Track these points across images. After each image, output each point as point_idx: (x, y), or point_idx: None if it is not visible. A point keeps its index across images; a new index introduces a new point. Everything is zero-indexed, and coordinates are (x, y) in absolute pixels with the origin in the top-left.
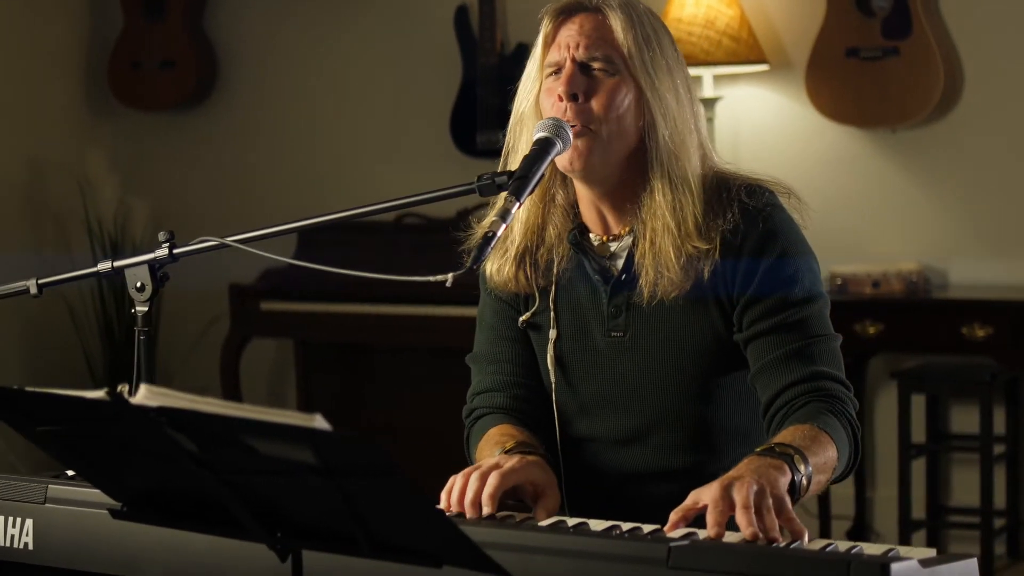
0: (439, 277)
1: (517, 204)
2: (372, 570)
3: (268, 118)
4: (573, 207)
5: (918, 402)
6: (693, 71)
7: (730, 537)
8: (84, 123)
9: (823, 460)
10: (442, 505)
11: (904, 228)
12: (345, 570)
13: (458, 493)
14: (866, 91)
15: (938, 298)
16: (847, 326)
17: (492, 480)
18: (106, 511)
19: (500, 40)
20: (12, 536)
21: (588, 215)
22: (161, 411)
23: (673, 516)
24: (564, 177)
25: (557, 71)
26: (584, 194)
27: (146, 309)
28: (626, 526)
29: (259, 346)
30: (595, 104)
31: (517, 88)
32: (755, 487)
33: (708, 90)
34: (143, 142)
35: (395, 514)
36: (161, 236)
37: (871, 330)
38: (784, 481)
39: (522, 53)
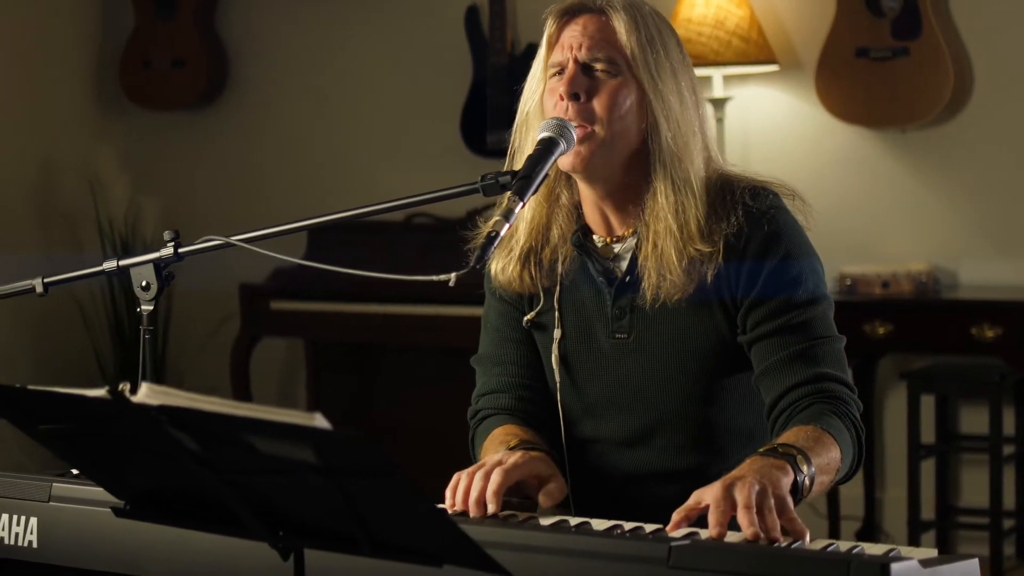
0: (442, 277)
1: (520, 204)
2: (374, 569)
3: (278, 117)
4: (577, 208)
5: (927, 403)
6: (703, 71)
7: (731, 537)
8: (95, 122)
9: (826, 461)
10: (447, 503)
11: (914, 228)
12: (347, 569)
13: (463, 491)
14: (876, 91)
15: (947, 298)
16: (856, 326)
17: (496, 477)
18: (109, 509)
19: (510, 40)
20: (17, 534)
21: (591, 216)
22: (162, 410)
23: (676, 516)
24: (569, 177)
25: (560, 71)
26: (587, 195)
27: (151, 308)
28: (628, 526)
29: (269, 345)
30: (597, 105)
31: (523, 89)
32: (757, 487)
33: (718, 90)
34: (154, 141)
35: (396, 513)
36: (166, 235)
37: (880, 330)
38: (786, 481)
39: (532, 53)
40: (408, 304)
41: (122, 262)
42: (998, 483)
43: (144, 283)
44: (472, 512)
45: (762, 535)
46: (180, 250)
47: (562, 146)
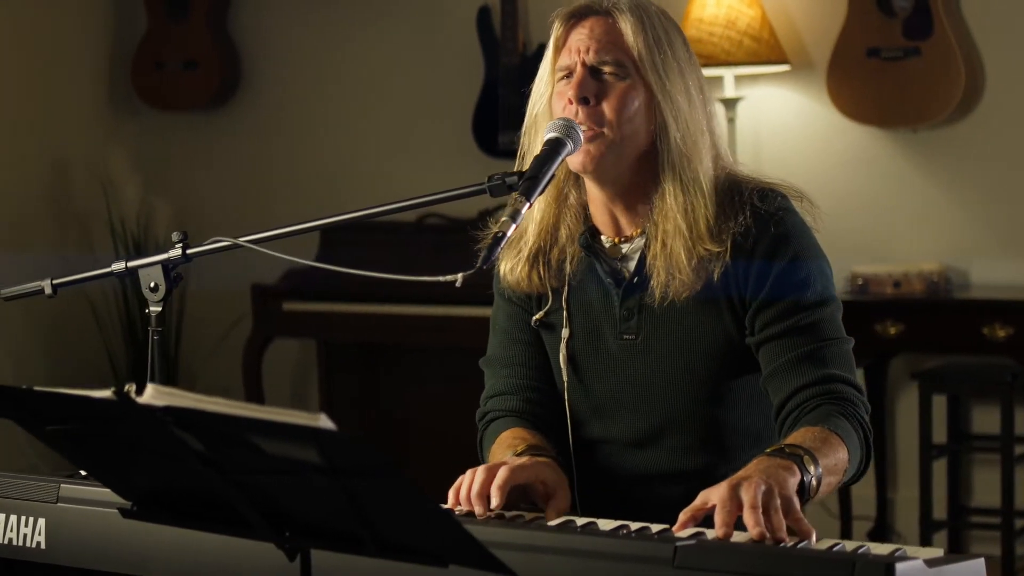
0: (448, 278)
1: (527, 204)
2: (379, 569)
3: (291, 118)
4: (585, 208)
5: (939, 402)
6: (714, 71)
7: (737, 537)
8: (107, 123)
9: (833, 462)
10: (450, 501)
11: (925, 228)
12: (352, 569)
13: (466, 488)
14: (887, 91)
15: (959, 298)
16: (868, 326)
17: (501, 473)
18: (116, 510)
19: (522, 40)
20: (25, 535)
21: (599, 217)
22: (167, 411)
23: (682, 516)
24: (577, 178)
25: (568, 75)
26: (596, 196)
27: (159, 309)
28: (634, 526)
29: (281, 346)
30: (606, 108)
31: (530, 92)
32: (763, 487)
33: (729, 90)
34: (166, 142)
35: (400, 514)
36: (175, 236)
37: (892, 330)
38: (793, 482)
39: (544, 54)
40: (419, 305)
41: (130, 263)
42: (1010, 483)
43: (152, 284)
44: (475, 507)
45: (768, 535)
46: (188, 251)
47: (569, 146)
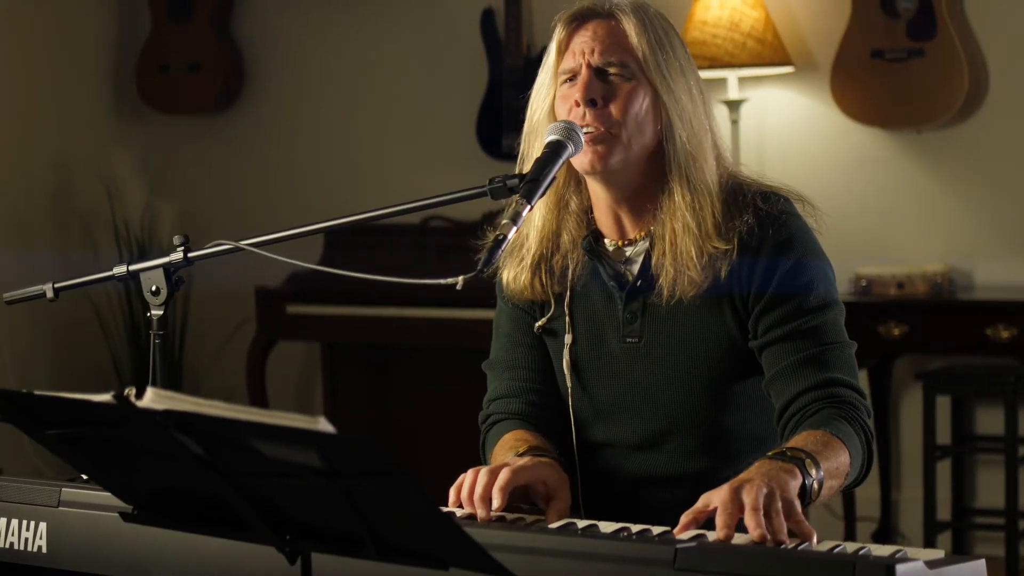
0: (449, 280)
1: (528, 207)
2: (380, 573)
3: (295, 121)
4: (587, 213)
5: (943, 403)
6: (718, 73)
7: (738, 539)
8: (111, 126)
9: (835, 465)
10: (451, 500)
11: (929, 229)
12: (353, 573)
13: (467, 489)
14: (891, 92)
15: (963, 299)
16: (872, 327)
17: (503, 475)
18: (117, 514)
19: (526, 43)
20: (26, 539)
21: (604, 220)
22: (167, 414)
23: (684, 519)
24: (578, 183)
25: (572, 78)
26: (602, 198)
27: (161, 313)
28: (635, 528)
29: (286, 349)
30: (614, 109)
31: (530, 96)
32: (765, 490)
33: (733, 92)
34: (170, 145)
35: (401, 516)
36: (176, 240)
37: (896, 331)
38: (794, 485)
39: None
40: (423, 307)
41: (132, 267)
42: (1014, 483)
43: (154, 288)
44: (477, 509)
45: (769, 537)
46: (190, 255)
47: (570, 149)
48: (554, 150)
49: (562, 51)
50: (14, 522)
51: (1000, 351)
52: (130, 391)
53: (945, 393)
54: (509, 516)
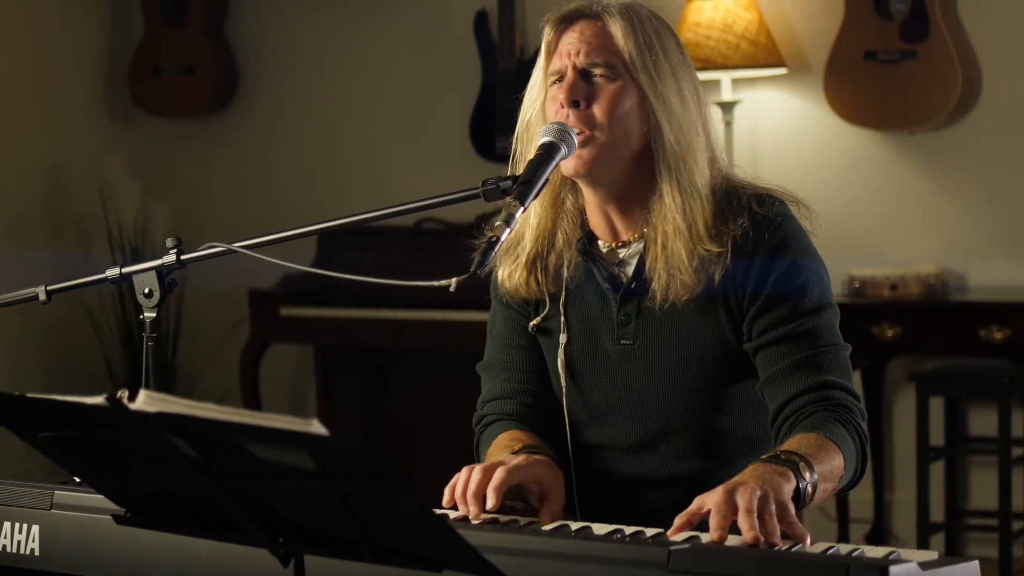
0: (443, 282)
1: (521, 208)
2: (373, 575)
3: (288, 124)
4: (582, 213)
5: (936, 405)
6: (711, 75)
7: (731, 541)
8: (105, 129)
9: (829, 468)
10: (445, 499)
11: (922, 230)
12: (347, 575)
13: (462, 487)
14: (884, 94)
15: (956, 300)
16: (865, 329)
17: (498, 474)
18: (110, 517)
19: (519, 45)
20: (19, 542)
21: (596, 222)
22: (159, 416)
23: (677, 520)
24: (574, 183)
25: (559, 79)
26: (592, 200)
27: (154, 315)
28: (628, 530)
29: (279, 351)
30: (597, 110)
31: (523, 98)
32: (758, 492)
33: (726, 94)
34: (164, 148)
35: (394, 518)
36: (169, 242)
37: (889, 333)
38: (788, 487)
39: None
40: (417, 309)
41: (125, 269)
42: (1007, 485)
43: (147, 290)
44: (471, 507)
45: (762, 539)
46: (183, 257)
47: (563, 151)
48: (547, 152)
49: (550, 52)
50: (7, 525)
51: (993, 352)
52: (123, 393)
53: (938, 394)
54: (503, 518)
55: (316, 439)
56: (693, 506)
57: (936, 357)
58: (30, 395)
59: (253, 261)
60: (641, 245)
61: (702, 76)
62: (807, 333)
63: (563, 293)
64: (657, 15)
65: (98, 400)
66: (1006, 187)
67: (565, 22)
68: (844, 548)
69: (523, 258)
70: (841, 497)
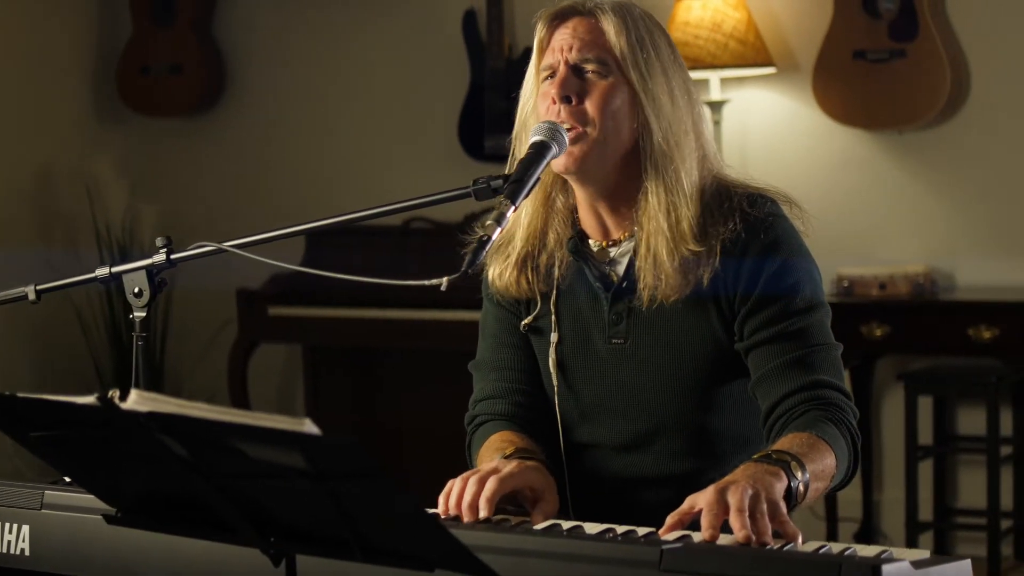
0: (434, 281)
1: (512, 208)
2: (365, 574)
3: (276, 123)
4: (573, 213)
5: (925, 404)
6: (700, 74)
7: (723, 540)
8: (93, 128)
9: (821, 467)
10: (440, 508)
11: (911, 230)
12: (338, 575)
13: (456, 497)
14: (873, 93)
15: (945, 300)
16: (854, 328)
17: (490, 484)
18: (101, 517)
19: (508, 44)
20: (9, 542)
21: (587, 220)
22: (151, 416)
23: (669, 520)
24: (565, 182)
25: (552, 74)
26: (582, 198)
27: (144, 315)
28: (620, 529)
29: (267, 351)
30: (589, 106)
31: (519, 96)
32: (750, 491)
33: (715, 93)
34: (152, 147)
35: (386, 518)
36: (159, 242)
37: (878, 332)
38: (780, 487)
39: (530, 57)
40: (406, 309)
41: (115, 269)
42: (995, 484)
43: (137, 290)
44: (465, 517)
45: (754, 538)
46: (173, 256)
47: (554, 149)
48: (538, 151)
49: (543, 48)
50: None
51: (982, 351)
52: (114, 393)
53: (927, 393)
54: (494, 518)
55: (308, 439)
56: (685, 505)
57: (924, 356)
58: (21, 395)
59: (241, 260)
60: (631, 244)
61: (690, 76)
62: (799, 332)
63: (554, 292)
64: (649, 15)
65: (89, 400)
66: (995, 186)
67: (558, 19)
68: (836, 547)
69: (513, 257)
70: (830, 496)
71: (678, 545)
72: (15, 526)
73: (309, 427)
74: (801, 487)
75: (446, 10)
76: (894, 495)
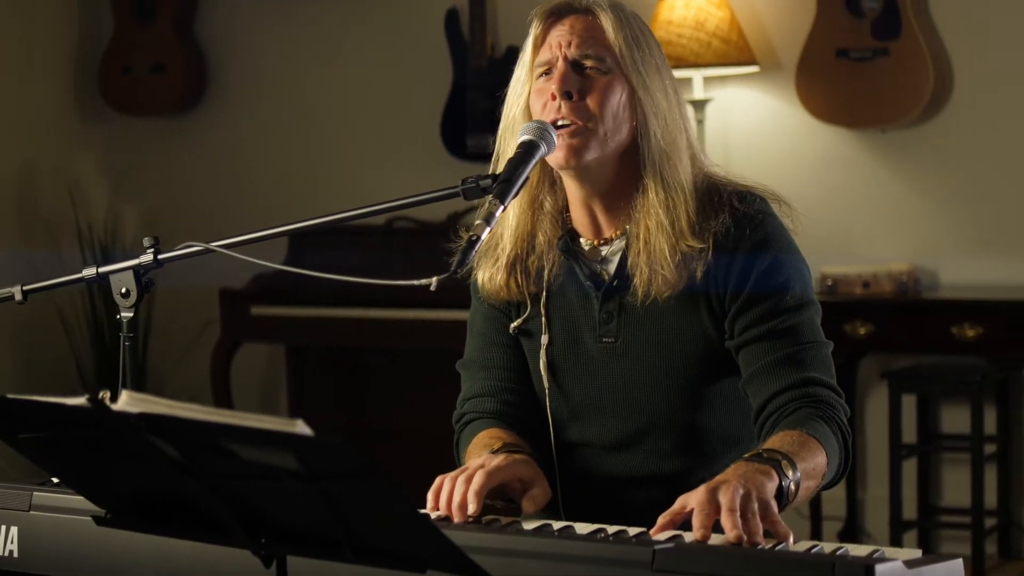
0: (423, 281)
1: (501, 207)
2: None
3: (258, 122)
4: (562, 213)
5: (909, 402)
6: (683, 73)
7: (715, 540)
8: (74, 127)
9: (812, 466)
10: (429, 507)
11: (894, 228)
12: None
13: (446, 496)
14: (856, 92)
15: (928, 298)
16: (838, 327)
17: (478, 479)
18: (90, 518)
19: (490, 43)
20: None
21: (579, 218)
22: (142, 417)
23: (661, 520)
24: (552, 183)
25: (548, 71)
26: (576, 195)
27: (131, 315)
28: (612, 529)
29: (250, 351)
30: (590, 102)
31: (506, 94)
32: (741, 491)
33: (698, 92)
34: (133, 147)
35: (378, 519)
36: (146, 242)
37: (861, 331)
38: (771, 486)
39: (512, 56)
40: (389, 308)
41: (102, 269)
42: (979, 482)
43: (124, 290)
44: (454, 517)
45: (745, 538)
46: (160, 256)
47: (543, 149)
48: (527, 150)
49: (538, 45)
50: None
51: (966, 350)
52: (105, 394)
53: (911, 392)
54: (485, 518)
55: (301, 439)
56: (676, 505)
57: (908, 355)
58: (11, 396)
59: (224, 260)
60: (623, 242)
61: (673, 74)
62: (789, 330)
63: (544, 294)
64: (636, 14)
65: (80, 401)
66: (978, 185)
67: (554, 15)
68: (828, 547)
69: (503, 260)
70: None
71: (670, 545)
72: (3, 528)
73: (301, 428)
74: (792, 486)
75: (428, 9)
76: (878, 494)
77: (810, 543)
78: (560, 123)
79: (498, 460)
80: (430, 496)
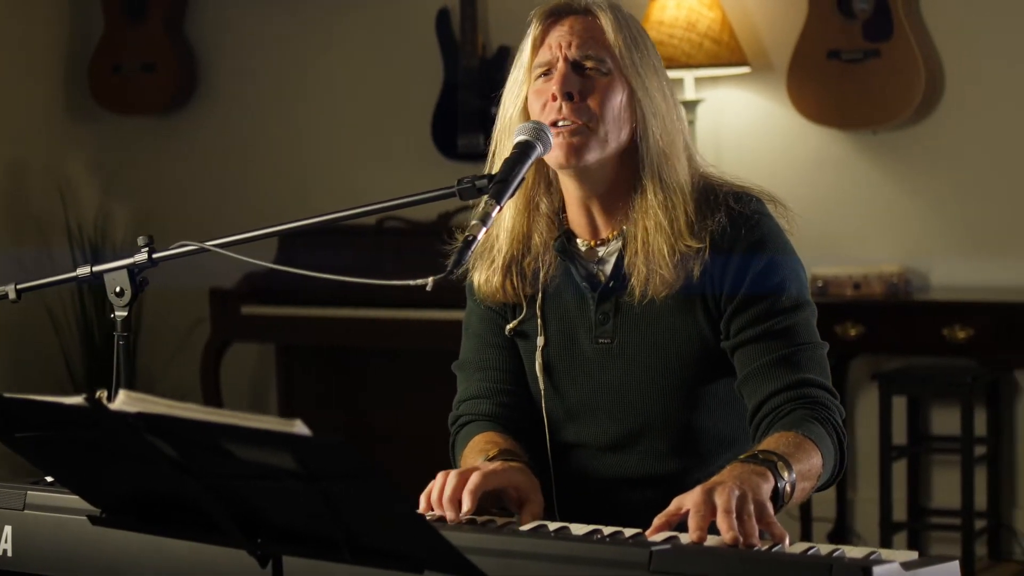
0: (419, 281)
1: (497, 208)
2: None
3: (249, 122)
4: (558, 214)
5: (899, 404)
6: (674, 74)
7: (711, 541)
8: (64, 126)
9: (807, 467)
10: (422, 506)
11: (885, 230)
12: None
13: (437, 491)
14: (847, 93)
15: (919, 300)
16: (828, 328)
17: (474, 478)
18: (85, 518)
19: (481, 43)
20: None
21: (576, 219)
22: (140, 417)
23: (657, 521)
24: (548, 185)
25: (548, 72)
26: (574, 195)
27: (125, 314)
28: (608, 530)
29: (240, 350)
30: (591, 103)
31: (502, 94)
32: (737, 492)
33: (689, 92)
34: (124, 146)
35: (376, 519)
36: (140, 241)
37: (852, 332)
38: (766, 487)
39: (503, 56)
40: (379, 308)
41: (96, 268)
42: (969, 484)
43: (118, 289)
44: (447, 512)
45: (741, 539)
46: (154, 256)
47: (539, 149)
48: (523, 150)
49: (537, 46)
50: None
51: (956, 351)
52: (101, 394)
53: (901, 393)
54: (480, 519)
55: (299, 439)
56: (672, 507)
57: (899, 356)
58: (8, 395)
59: (214, 259)
60: (620, 243)
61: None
62: (785, 331)
63: (540, 295)
64: (633, 15)
65: (77, 400)
66: (969, 186)
67: (553, 16)
68: (824, 548)
69: (499, 262)
70: None
71: (667, 546)
72: None
73: (300, 428)
74: (788, 487)
75: (419, 9)
76: (868, 495)
77: (806, 545)
78: (560, 123)
79: (494, 466)
80: (422, 497)
